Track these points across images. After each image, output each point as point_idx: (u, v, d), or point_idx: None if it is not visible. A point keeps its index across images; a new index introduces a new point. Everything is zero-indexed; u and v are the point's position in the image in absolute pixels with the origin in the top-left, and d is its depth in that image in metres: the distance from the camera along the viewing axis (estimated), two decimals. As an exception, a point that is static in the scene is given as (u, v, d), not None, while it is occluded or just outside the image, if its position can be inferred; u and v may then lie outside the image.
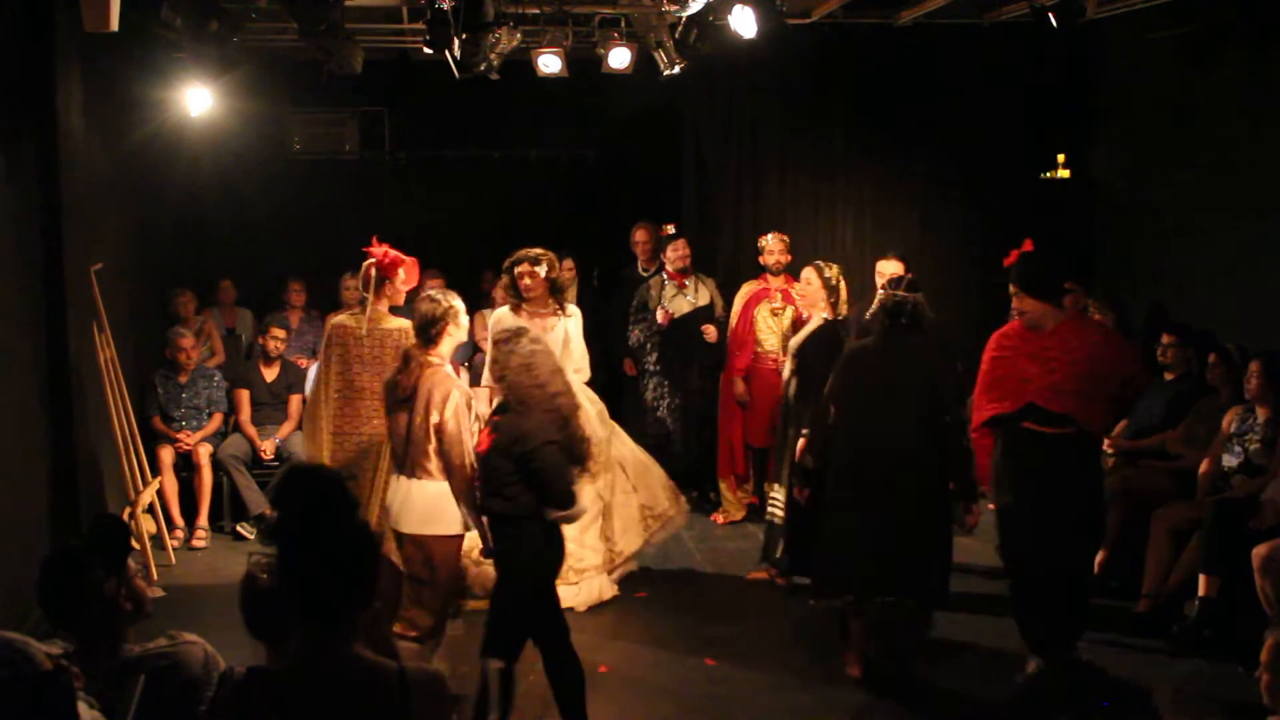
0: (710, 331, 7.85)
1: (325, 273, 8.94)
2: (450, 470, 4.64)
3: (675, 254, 8.02)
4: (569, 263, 8.65)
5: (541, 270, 6.16)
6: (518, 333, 4.54)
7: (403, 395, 4.76)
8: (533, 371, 4.39)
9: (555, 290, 6.29)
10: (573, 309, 6.45)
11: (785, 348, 7.13)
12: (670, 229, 8.52)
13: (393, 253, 5.98)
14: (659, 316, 7.93)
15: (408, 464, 4.77)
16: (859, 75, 8.85)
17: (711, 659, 5.61)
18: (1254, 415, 6.10)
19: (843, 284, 6.49)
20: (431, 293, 4.97)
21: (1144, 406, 7.00)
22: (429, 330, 4.80)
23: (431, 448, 4.68)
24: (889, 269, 6.83)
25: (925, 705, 5.17)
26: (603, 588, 6.33)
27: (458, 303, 4.93)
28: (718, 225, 9.04)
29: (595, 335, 8.35)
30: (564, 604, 4.86)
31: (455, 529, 4.77)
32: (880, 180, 9.11)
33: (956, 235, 9.19)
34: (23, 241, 5.96)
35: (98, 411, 6.77)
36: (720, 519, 7.80)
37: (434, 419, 4.65)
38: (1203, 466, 6.23)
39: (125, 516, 6.60)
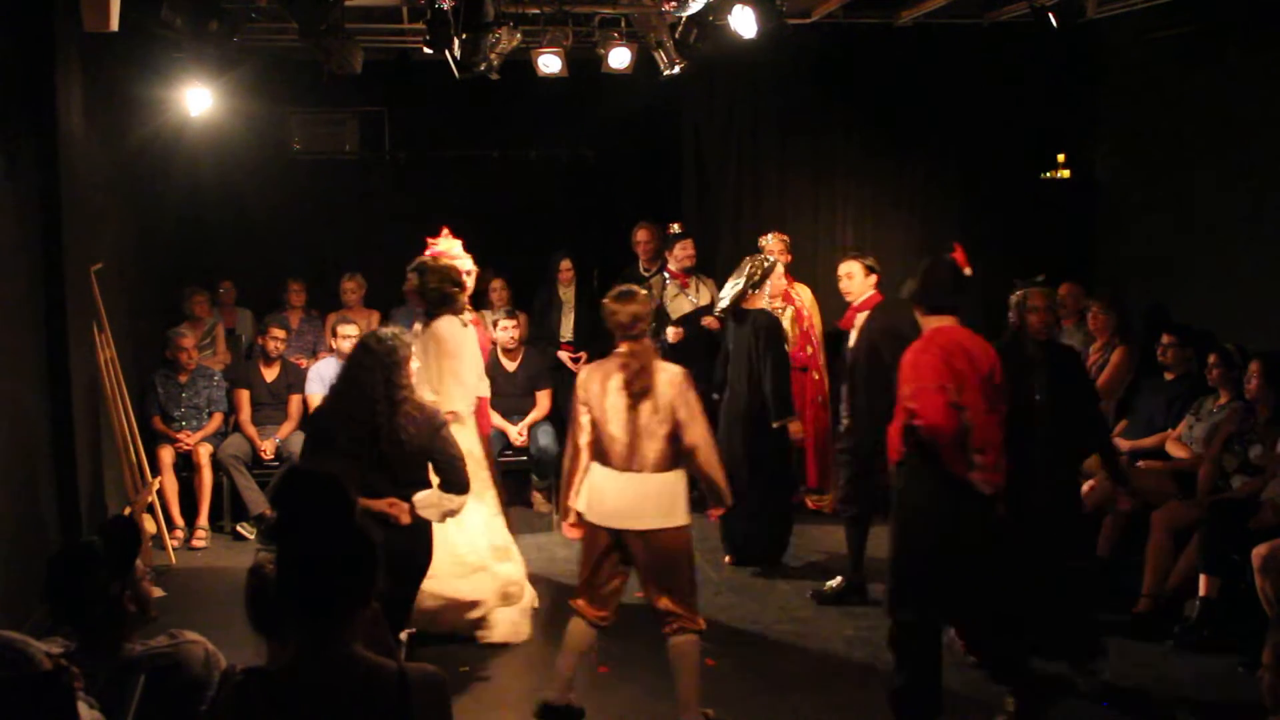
0: (711, 322, 7.87)
1: (325, 273, 8.95)
2: (700, 452, 4.66)
3: (683, 253, 8.02)
4: (566, 263, 8.66)
5: (414, 277, 6.08)
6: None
7: (637, 392, 4.67)
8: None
9: (423, 298, 6.06)
10: (443, 324, 5.86)
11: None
12: (677, 228, 8.51)
13: (436, 246, 6.15)
14: (670, 335, 7.90)
15: (635, 459, 4.67)
16: (859, 75, 8.85)
17: (711, 659, 5.60)
18: (1254, 415, 6.10)
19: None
20: (631, 287, 5.01)
21: (1144, 406, 7.01)
22: (642, 323, 4.79)
23: (662, 441, 4.64)
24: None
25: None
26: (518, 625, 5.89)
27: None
28: (718, 225, 9.04)
29: (595, 335, 8.38)
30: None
31: (688, 519, 4.76)
32: (880, 180, 9.11)
33: (956, 235, 9.15)
34: (23, 241, 5.95)
35: (98, 411, 6.77)
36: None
37: (681, 413, 4.63)
38: (1202, 466, 6.23)
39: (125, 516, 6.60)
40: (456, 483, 4.77)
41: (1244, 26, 7.11)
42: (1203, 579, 5.68)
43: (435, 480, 4.89)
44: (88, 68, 6.71)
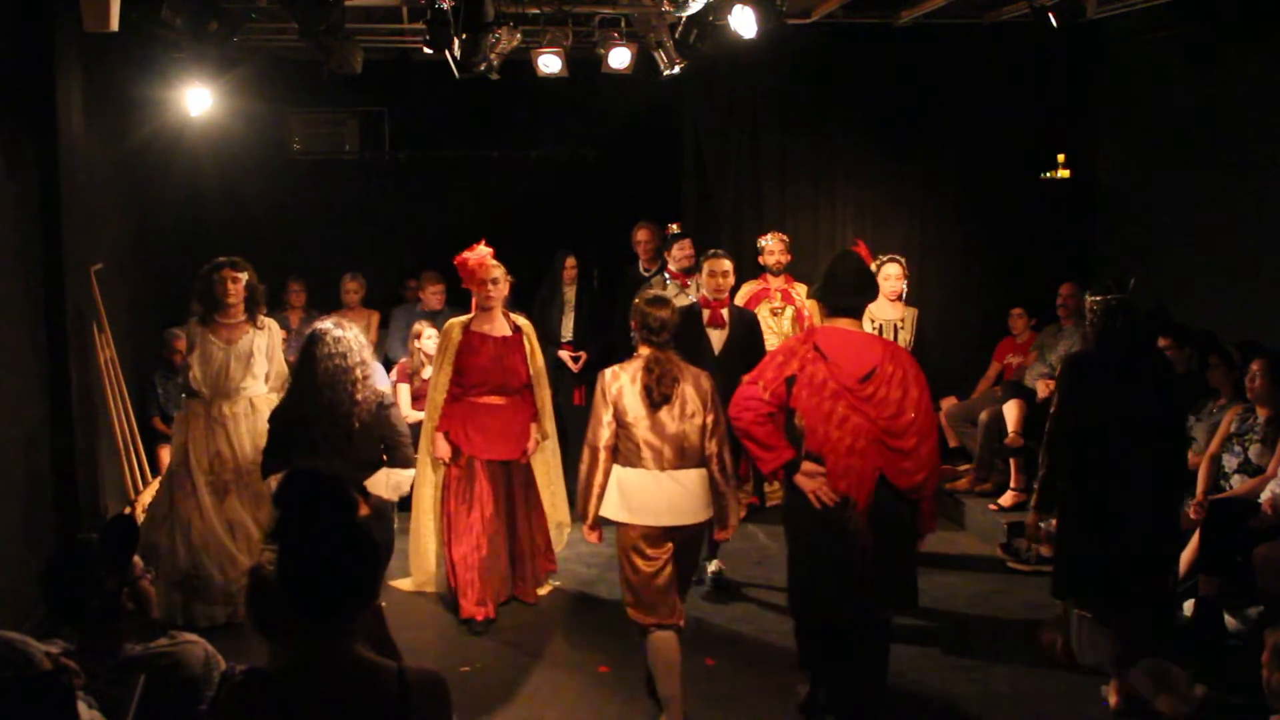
0: None
1: (325, 273, 8.94)
2: (714, 461, 4.79)
3: (681, 254, 8.03)
4: (571, 260, 8.65)
5: (250, 275, 6.36)
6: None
7: (658, 399, 4.73)
8: None
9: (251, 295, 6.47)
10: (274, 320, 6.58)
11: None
12: (675, 228, 8.52)
13: (471, 253, 6.24)
14: None
15: (666, 459, 4.72)
16: (859, 75, 8.85)
17: (711, 659, 5.61)
18: (1254, 415, 6.10)
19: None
20: (663, 294, 5.17)
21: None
22: (668, 332, 4.82)
23: (688, 442, 4.73)
24: (894, 270, 6.87)
25: (929, 705, 5.17)
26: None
27: None
28: (718, 225, 9.04)
29: (596, 335, 8.38)
30: None
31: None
32: (880, 180, 9.12)
33: (956, 235, 9.20)
34: (23, 241, 5.96)
35: (98, 411, 6.77)
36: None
37: (708, 418, 4.76)
38: (1202, 466, 6.23)
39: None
40: (406, 458, 4.99)
41: (1244, 26, 7.11)
42: (1202, 579, 5.68)
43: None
44: (88, 68, 6.70)
